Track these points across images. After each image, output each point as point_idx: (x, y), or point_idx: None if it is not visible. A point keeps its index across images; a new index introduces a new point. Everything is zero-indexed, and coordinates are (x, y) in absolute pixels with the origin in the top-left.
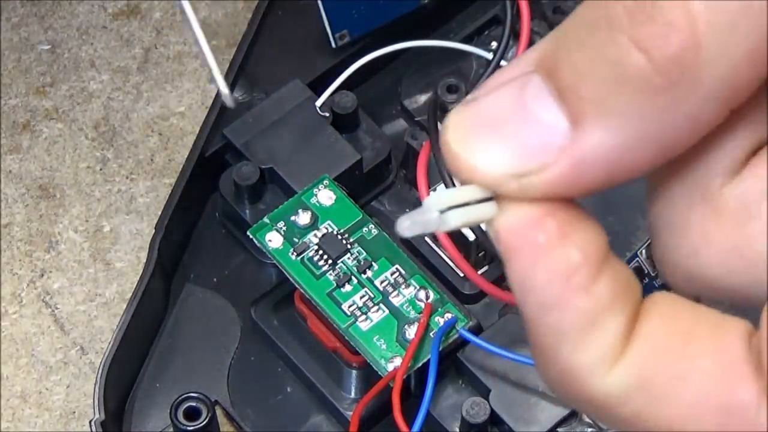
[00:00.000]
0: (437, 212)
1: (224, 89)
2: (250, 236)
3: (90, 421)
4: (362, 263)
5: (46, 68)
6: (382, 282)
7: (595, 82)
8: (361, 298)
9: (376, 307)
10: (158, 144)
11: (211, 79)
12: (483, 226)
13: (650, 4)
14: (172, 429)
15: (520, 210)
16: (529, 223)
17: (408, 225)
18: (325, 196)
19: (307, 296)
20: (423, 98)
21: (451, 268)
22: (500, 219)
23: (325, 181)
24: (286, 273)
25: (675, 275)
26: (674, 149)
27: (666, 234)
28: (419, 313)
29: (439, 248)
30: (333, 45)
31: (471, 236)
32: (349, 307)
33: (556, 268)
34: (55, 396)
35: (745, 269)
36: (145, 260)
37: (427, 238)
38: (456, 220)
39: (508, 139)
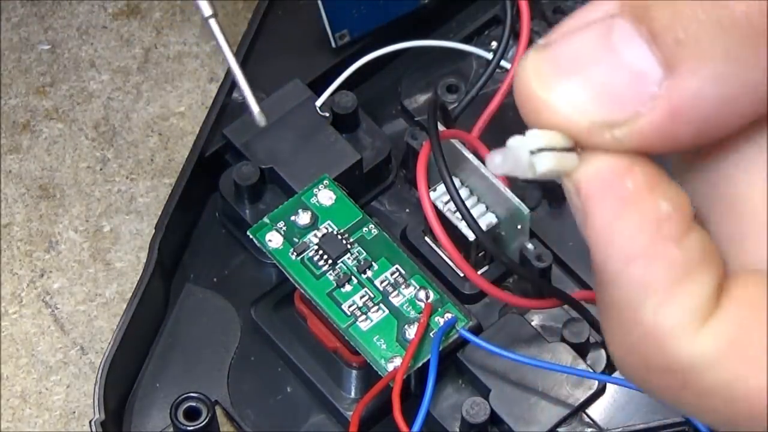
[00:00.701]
0: (528, 152)
1: (255, 107)
2: (250, 236)
3: (90, 421)
4: (362, 263)
5: (46, 68)
6: (382, 282)
7: (695, 24)
8: (361, 298)
9: (376, 307)
10: (158, 144)
11: (242, 99)
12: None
13: None
14: (172, 429)
15: (604, 160)
16: (615, 171)
17: (499, 162)
18: (325, 196)
19: (307, 296)
20: (423, 98)
21: (451, 268)
22: (581, 169)
23: (325, 181)
24: (286, 273)
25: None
26: None
27: (716, 214)
28: (419, 313)
29: (439, 248)
30: (333, 45)
31: (471, 236)
32: (349, 307)
33: (645, 216)
34: (55, 396)
35: None
36: (145, 260)
37: (426, 238)
38: (545, 164)
39: (597, 85)
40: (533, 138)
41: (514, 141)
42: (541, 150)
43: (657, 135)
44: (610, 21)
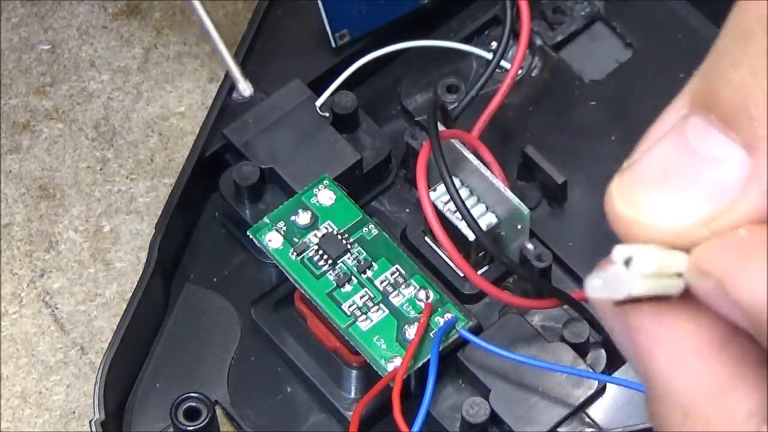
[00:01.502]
0: (623, 265)
1: (239, 76)
2: (250, 236)
3: (90, 421)
4: (362, 263)
5: (46, 68)
6: (382, 282)
7: (765, 94)
8: (361, 298)
9: (376, 307)
10: (158, 144)
11: (224, 68)
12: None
13: None
14: (172, 429)
15: (711, 242)
16: (724, 235)
17: (599, 284)
18: (325, 196)
19: (307, 296)
20: (423, 98)
21: (451, 268)
22: (694, 256)
23: (325, 181)
24: (286, 273)
25: None
26: None
27: None
28: (419, 313)
29: (439, 248)
30: (333, 45)
31: (471, 236)
32: (349, 307)
33: None
34: (55, 396)
35: None
36: (145, 260)
37: (426, 238)
38: (646, 264)
39: (685, 188)
40: (620, 251)
41: (619, 252)
42: (630, 259)
43: (756, 216)
44: (683, 122)
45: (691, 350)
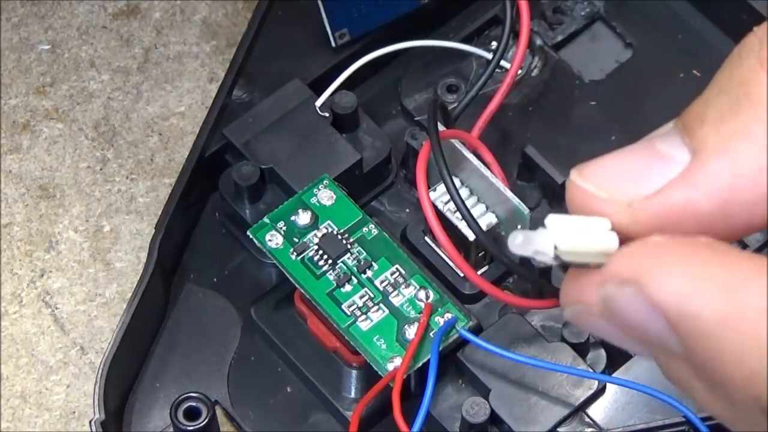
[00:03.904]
0: (547, 230)
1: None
2: (250, 236)
3: (90, 421)
4: (362, 263)
5: (46, 68)
6: (382, 282)
7: (719, 105)
8: (361, 298)
9: (376, 307)
10: (158, 144)
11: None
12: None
13: None
14: (172, 429)
15: (624, 249)
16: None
17: (520, 242)
18: (325, 196)
19: (307, 296)
20: (423, 98)
21: (451, 268)
22: (608, 266)
23: (325, 181)
24: (286, 273)
25: None
26: None
27: None
28: (419, 313)
29: (439, 248)
30: (333, 44)
31: (471, 236)
32: (349, 307)
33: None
34: (55, 396)
35: None
36: (145, 260)
37: (426, 238)
38: (568, 242)
39: (630, 172)
40: (558, 221)
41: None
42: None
43: (670, 212)
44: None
45: (688, 278)
